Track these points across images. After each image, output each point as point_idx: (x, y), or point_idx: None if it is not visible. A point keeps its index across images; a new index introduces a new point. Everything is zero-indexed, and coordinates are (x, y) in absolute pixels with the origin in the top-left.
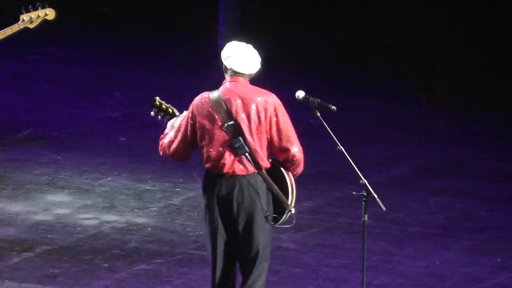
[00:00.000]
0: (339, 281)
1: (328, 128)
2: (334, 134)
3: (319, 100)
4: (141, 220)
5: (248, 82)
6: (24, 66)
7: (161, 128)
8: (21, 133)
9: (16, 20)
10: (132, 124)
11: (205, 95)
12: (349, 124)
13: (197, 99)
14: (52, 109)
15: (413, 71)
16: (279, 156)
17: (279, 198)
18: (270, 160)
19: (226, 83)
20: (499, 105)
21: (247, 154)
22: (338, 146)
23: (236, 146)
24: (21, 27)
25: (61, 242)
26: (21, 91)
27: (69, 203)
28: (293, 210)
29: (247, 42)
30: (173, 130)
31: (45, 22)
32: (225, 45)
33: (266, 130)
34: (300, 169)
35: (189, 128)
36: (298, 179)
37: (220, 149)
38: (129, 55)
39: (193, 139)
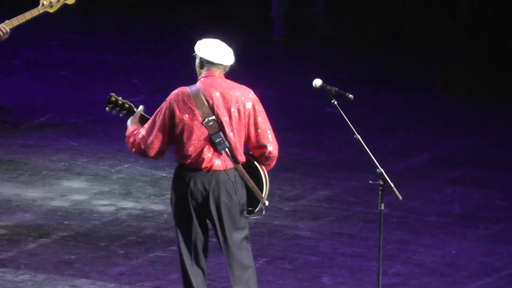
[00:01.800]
0: (355, 270)
1: (345, 117)
2: (351, 123)
3: (336, 89)
4: (157, 207)
5: (223, 77)
6: (43, 52)
7: None
8: (39, 119)
9: (36, 4)
10: (149, 111)
11: (183, 89)
12: (366, 113)
13: (174, 93)
14: (70, 95)
15: (432, 60)
16: (254, 151)
17: (254, 192)
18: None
19: (203, 78)
20: None
21: (226, 149)
22: (355, 134)
23: (216, 141)
24: (41, 11)
25: (77, 228)
26: (40, 77)
27: (85, 190)
28: (267, 203)
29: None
30: (145, 126)
31: (65, 7)
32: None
33: (244, 125)
34: (273, 164)
35: (166, 122)
36: (314, 167)
37: (200, 144)
38: (148, 41)
39: (171, 133)
